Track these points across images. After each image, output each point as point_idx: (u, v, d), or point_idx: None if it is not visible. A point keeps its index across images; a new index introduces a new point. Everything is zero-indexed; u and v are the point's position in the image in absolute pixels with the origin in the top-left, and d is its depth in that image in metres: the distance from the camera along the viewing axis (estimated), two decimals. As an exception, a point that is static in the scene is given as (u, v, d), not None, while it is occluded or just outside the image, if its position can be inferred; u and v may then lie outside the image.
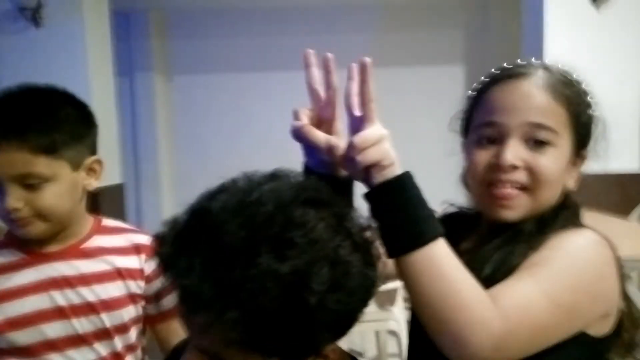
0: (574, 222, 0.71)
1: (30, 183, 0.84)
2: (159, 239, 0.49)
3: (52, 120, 0.88)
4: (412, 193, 0.57)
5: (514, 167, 0.67)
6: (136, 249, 1.01)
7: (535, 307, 0.58)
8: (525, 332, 0.57)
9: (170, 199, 5.91)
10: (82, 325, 0.92)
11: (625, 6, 3.30)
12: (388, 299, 2.27)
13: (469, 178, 0.75)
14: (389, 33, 5.59)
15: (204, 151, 5.20)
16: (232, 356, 0.46)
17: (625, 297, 0.67)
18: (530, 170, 0.67)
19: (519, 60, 0.73)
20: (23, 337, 0.89)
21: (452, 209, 0.87)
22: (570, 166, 0.71)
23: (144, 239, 1.03)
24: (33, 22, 3.06)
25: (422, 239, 0.55)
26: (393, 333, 2.29)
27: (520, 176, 0.67)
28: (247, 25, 5.64)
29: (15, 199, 0.83)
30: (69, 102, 0.95)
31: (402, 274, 0.57)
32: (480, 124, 0.71)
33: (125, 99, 5.29)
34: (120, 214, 3.67)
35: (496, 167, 0.68)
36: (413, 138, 5.64)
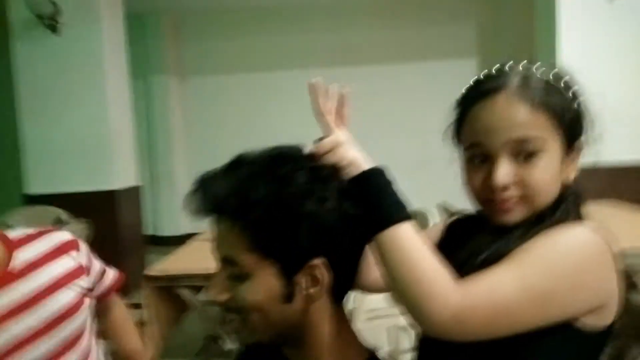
0: (573, 214, 0.71)
1: None
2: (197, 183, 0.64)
3: None
4: (374, 186, 0.65)
5: (506, 186, 0.69)
6: (62, 249, 0.95)
7: (501, 287, 0.61)
8: (487, 310, 0.60)
9: (186, 199, 5.95)
10: (49, 343, 0.88)
11: (638, -1, 3.26)
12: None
13: (467, 194, 0.77)
14: (401, 28, 5.58)
15: (219, 151, 5.22)
16: (241, 258, 0.60)
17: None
18: (524, 184, 0.69)
19: (493, 70, 0.74)
20: None
21: (459, 215, 0.88)
22: (564, 162, 0.71)
23: (65, 236, 0.98)
24: (50, 28, 3.13)
25: (383, 223, 0.63)
26: (404, 329, 2.30)
27: (515, 191, 0.69)
28: (258, 25, 5.67)
29: None
30: None
31: (375, 258, 0.65)
32: (467, 145, 0.73)
33: (140, 101, 5.36)
34: (137, 216, 3.73)
35: (490, 188, 0.70)
36: (425, 133, 5.63)
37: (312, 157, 0.65)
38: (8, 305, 0.85)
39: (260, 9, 5.58)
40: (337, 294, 0.65)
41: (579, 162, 0.73)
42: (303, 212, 0.59)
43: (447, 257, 0.66)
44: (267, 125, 5.46)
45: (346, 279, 0.66)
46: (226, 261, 0.62)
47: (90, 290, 0.98)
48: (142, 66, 5.52)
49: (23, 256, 0.90)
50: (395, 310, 2.50)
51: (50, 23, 3.11)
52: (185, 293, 2.13)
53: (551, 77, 0.71)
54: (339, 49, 5.53)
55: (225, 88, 5.86)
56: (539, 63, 0.72)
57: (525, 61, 0.73)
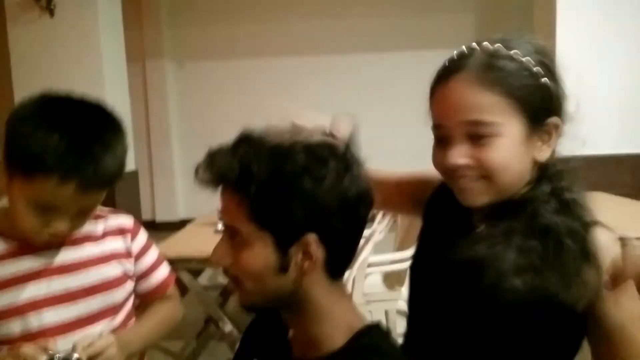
0: (553, 204, 0.71)
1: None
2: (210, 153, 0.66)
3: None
4: None
5: (462, 166, 0.70)
6: (120, 231, 1.05)
7: None
8: None
9: (183, 184, 5.99)
10: (81, 308, 0.95)
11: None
12: (397, 280, 2.31)
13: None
14: (399, 17, 5.53)
15: (215, 136, 5.20)
16: (241, 227, 0.64)
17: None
18: (480, 165, 0.70)
19: (463, 48, 0.74)
20: (20, 325, 0.90)
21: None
22: (533, 141, 0.71)
23: (126, 221, 1.08)
24: (47, 11, 3.10)
25: None
26: (402, 313, 2.33)
27: (472, 171, 0.71)
28: (256, 11, 5.61)
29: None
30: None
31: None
32: (432, 126, 0.75)
33: (137, 86, 5.33)
34: (134, 200, 3.74)
35: (448, 168, 0.73)
36: (423, 122, 5.58)
37: (314, 136, 0.66)
38: (59, 264, 0.95)
39: (258, -7, 5.53)
40: (332, 270, 0.68)
41: (554, 142, 0.72)
42: (298, 189, 0.61)
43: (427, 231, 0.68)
44: (264, 111, 5.43)
45: (341, 256, 0.68)
46: (228, 229, 0.67)
47: (137, 277, 1.07)
48: (138, 50, 5.48)
49: (88, 228, 0.99)
50: (393, 294, 2.51)
51: (46, 5, 3.08)
52: (184, 276, 2.15)
53: (516, 56, 0.70)
54: (337, 36, 5.49)
55: (222, 73, 5.82)
56: (513, 40, 0.72)
57: (498, 38, 0.72)
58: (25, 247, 0.93)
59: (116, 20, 3.45)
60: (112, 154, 0.87)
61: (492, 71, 0.69)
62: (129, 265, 1.04)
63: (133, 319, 1.07)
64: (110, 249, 1.02)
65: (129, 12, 3.91)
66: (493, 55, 0.70)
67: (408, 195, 0.94)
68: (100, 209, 1.04)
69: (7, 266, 0.91)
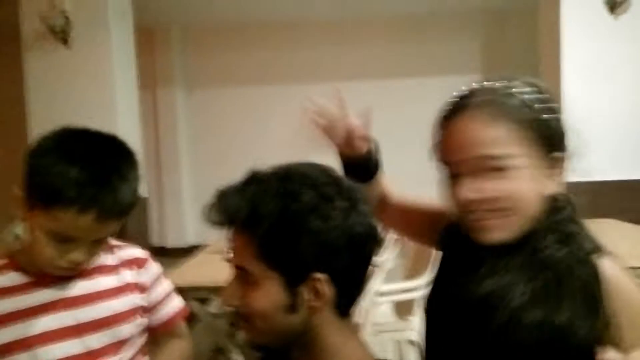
0: (560, 237, 0.70)
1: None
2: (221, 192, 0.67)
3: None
4: None
5: (474, 201, 0.70)
6: (132, 263, 1.05)
7: None
8: None
9: (192, 211, 6.01)
10: (91, 342, 0.96)
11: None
12: (407, 309, 2.27)
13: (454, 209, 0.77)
14: (406, 44, 5.62)
15: (225, 163, 5.27)
16: (250, 266, 0.64)
17: None
18: (496, 198, 0.69)
19: (467, 87, 0.75)
20: (28, 358, 0.90)
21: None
22: (543, 173, 0.71)
23: (136, 253, 1.08)
24: (62, 41, 3.18)
25: None
26: (412, 343, 2.29)
27: (489, 205, 0.69)
28: (265, 39, 5.72)
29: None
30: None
31: None
32: (442, 162, 0.75)
33: (147, 113, 5.41)
34: (144, 228, 3.75)
35: (461, 205, 0.72)
36: (427, 147, 5.58)
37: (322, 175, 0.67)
38: (72, 296, 0.96)
39: (267, 23, 5.64)
40: (341, 308, 0.67)
41: (560, 177, 0.72)
42: (306, 228, 0.62)
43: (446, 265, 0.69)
44: (273, 138, 5.48)
45: (350, 293, 0.68)
46: (238, 269, 0.67)
47: (147, 310, 1.06)
48: (150, 78, 5.58)
49: (101, 260, 1.00)
50: (403, 323, 2.49)
51: (62, 36, 3.15)
52: (193, 305, 2.14)
53: (515, 92, 0.71)
54: (345, 63, 5.57)
55: (231, 101, 5.90)
56: (513, 80, 0.73)
57: (499, 78, 0.74)
58: (40, 279, 0.93)
59: (129, 50, 3.53)
60: (128, 184, 0.89)
61: (496, 106, 0.69)
62: (139, 299, 1.04)
63: (145, 357, 1.06)
64: (122, 281, 1.02)
65: (141, 42, 4.00)
66: (495, 92, 0.71)
67: (427, 224, 0.94)
68: (111, 240, 1.04)
69: (20, 298, 0.92)
